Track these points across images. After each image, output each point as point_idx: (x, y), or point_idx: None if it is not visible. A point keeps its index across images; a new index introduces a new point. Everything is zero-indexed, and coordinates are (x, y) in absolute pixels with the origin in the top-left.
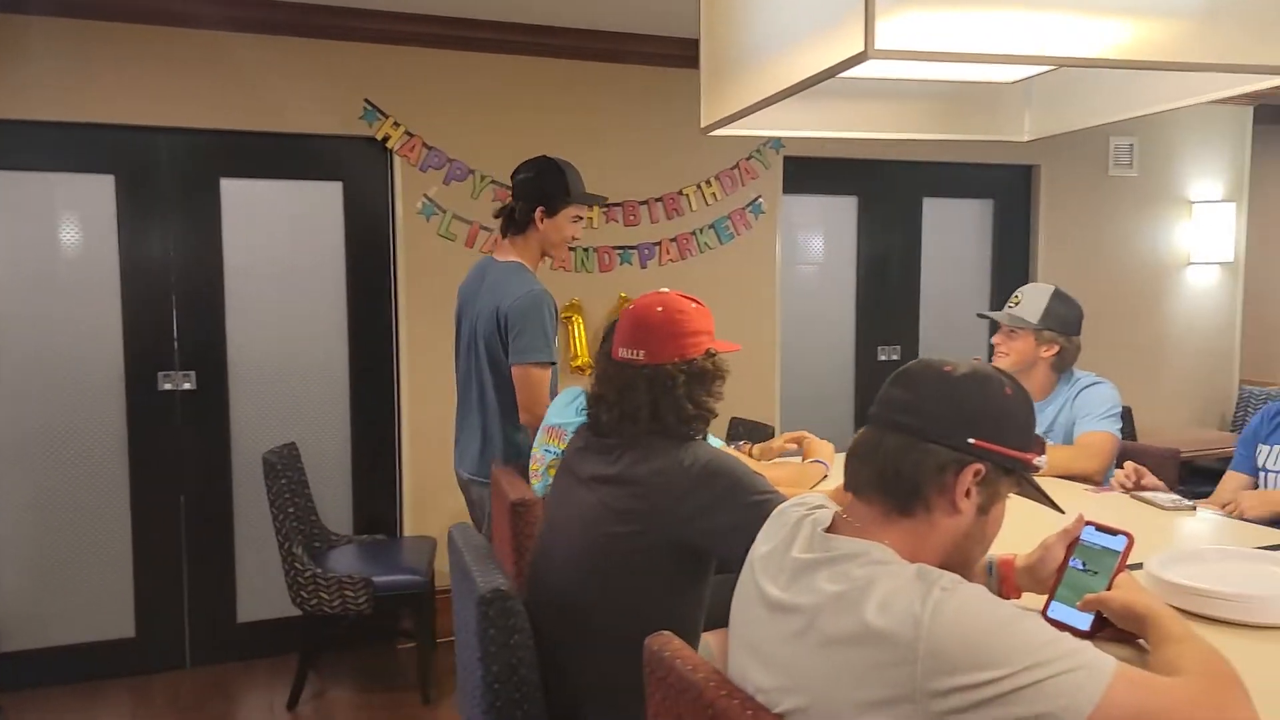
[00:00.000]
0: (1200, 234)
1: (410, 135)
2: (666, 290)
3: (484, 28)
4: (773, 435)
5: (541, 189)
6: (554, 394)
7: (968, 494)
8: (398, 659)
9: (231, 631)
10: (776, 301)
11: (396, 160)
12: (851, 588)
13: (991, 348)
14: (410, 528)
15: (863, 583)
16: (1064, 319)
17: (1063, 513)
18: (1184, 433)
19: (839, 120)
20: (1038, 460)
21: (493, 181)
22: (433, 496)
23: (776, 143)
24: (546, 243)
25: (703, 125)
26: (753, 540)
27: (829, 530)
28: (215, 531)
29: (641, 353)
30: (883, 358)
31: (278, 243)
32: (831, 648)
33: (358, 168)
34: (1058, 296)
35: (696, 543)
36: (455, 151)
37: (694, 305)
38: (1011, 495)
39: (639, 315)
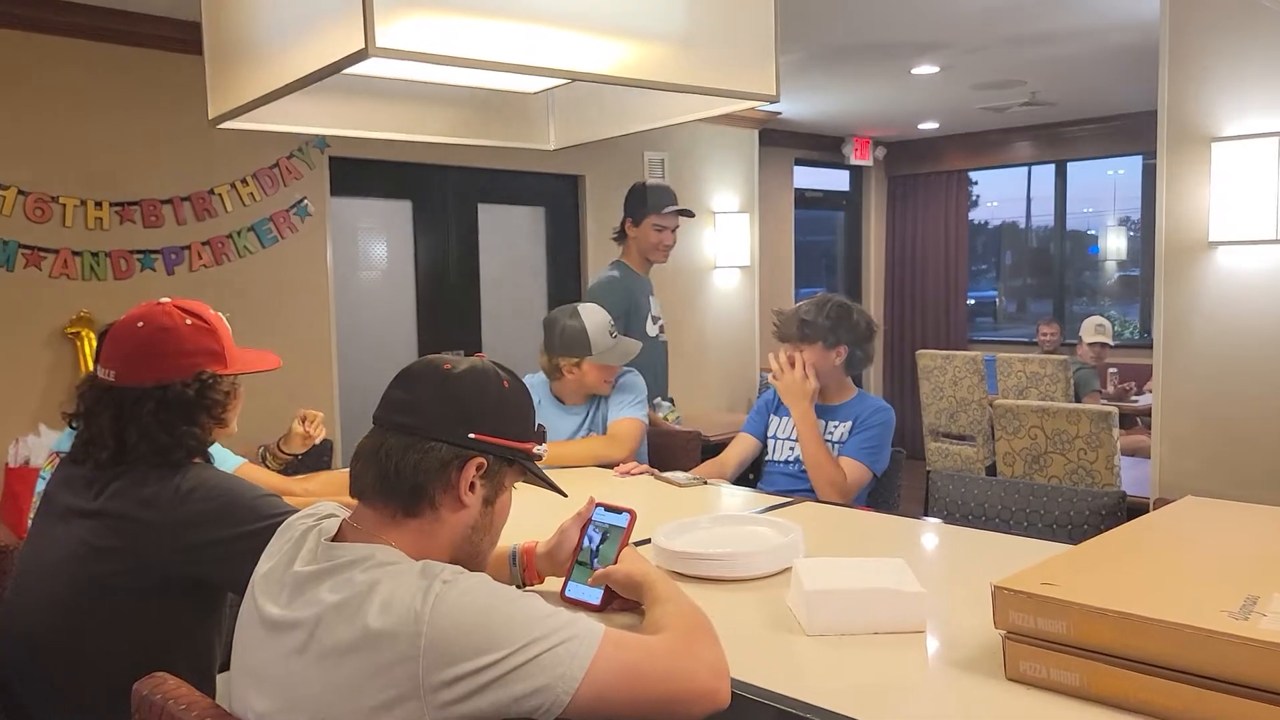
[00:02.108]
0: (723, 241)
1: None
2: (166, 300)
3: None
4: (330, 449)
5: (628, 204)
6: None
7: (472, 488)
8: None
9: None
10: (331, 309)
11: None
12: (353, 595)
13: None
14: None
15: (365, 588)
16: None
17: (565, 496)
18: (719, 417)
19: (368, 120)
20: (537, 449)
21: None
22: None
23: (320, 141)
24: (640, 247)
25: (210, 117)
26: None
27: (336, 538)
28: None
29: (113, 372)
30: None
31: None
32: (332, 659)
33: None
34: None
35: (200, 576)
36: None
37: (189, 321)
38: (527, 486)
39: (118, 330)
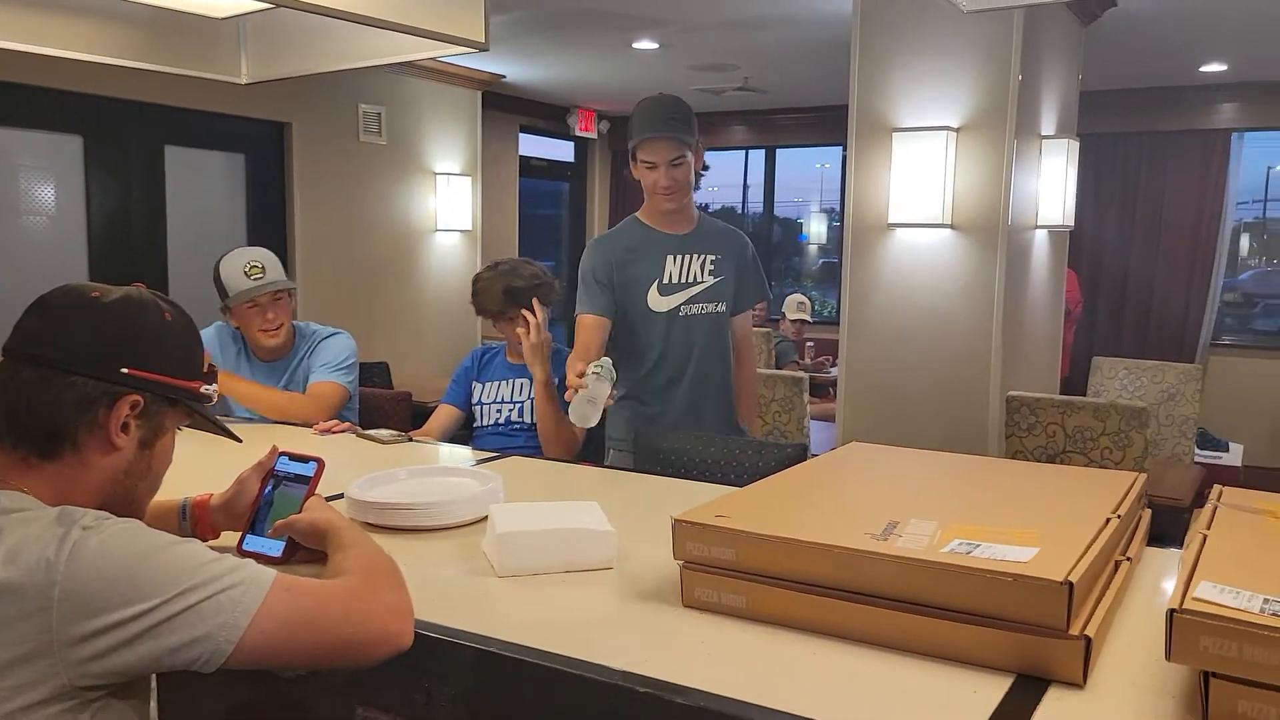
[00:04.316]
0: (444, 203)
1: None
2: None
3: None
4: None
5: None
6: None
7: (125, 428)
8: None
9: None
10: None
11: None
12: None
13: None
14: None
15: None
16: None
17: (239, 441)
18: (435, 383)
19: (14, 29)
20: (205, 389)
21: None
22: None
23: None
24: (646, 192)
25: None
26: None
27: None
28: None
29: None
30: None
31: None
32: None
33: None
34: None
35: None
36: None
37: None
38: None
39: None
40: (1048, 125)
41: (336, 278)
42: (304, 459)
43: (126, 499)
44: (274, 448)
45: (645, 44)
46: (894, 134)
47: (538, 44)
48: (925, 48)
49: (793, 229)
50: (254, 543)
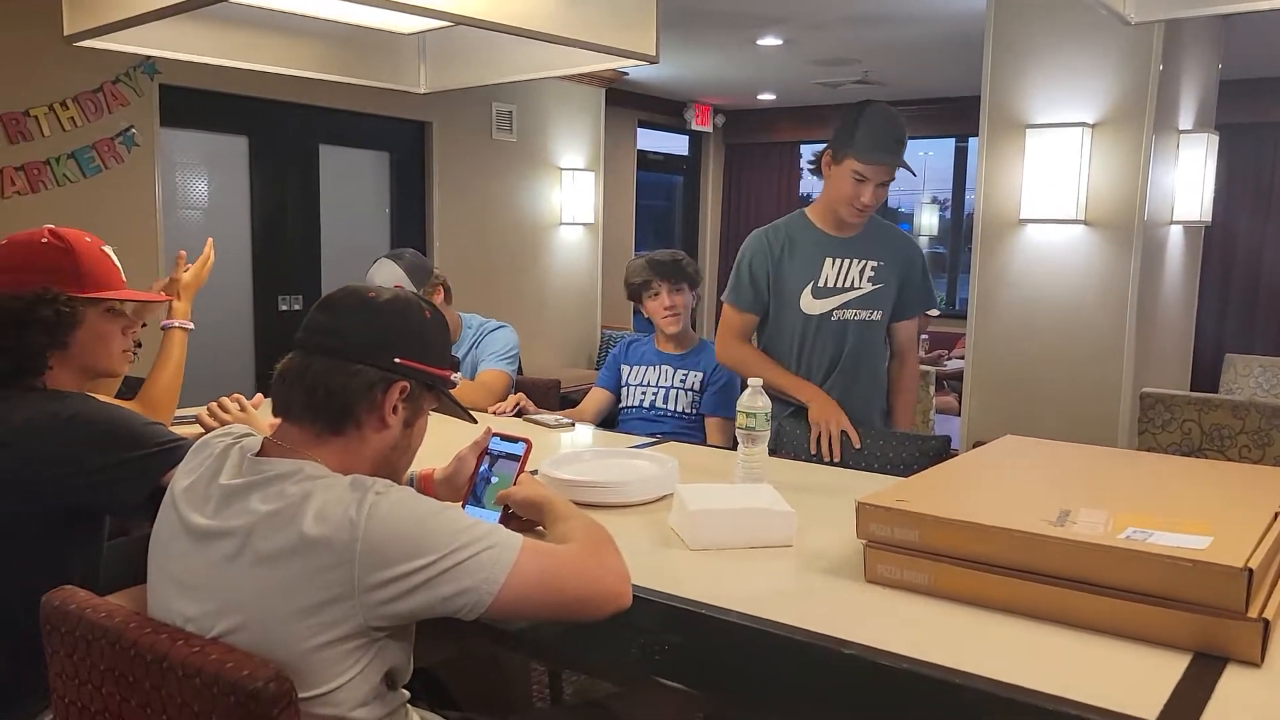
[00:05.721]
0: (568, 198)
1: None
2: (52, 227)
3: None
4: None
5: (836, 131)
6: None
7: (395, 410)
8: None
9: None
10: (159, 245)
11: None
12: (287, 505)
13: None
14: None
15: (298, 498)
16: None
17: (475, 423)
18: (561, 371)
19: (226, 47)
20: (454, 376)
21: None
22: None
23: (149, 67)
24: (831, 195)
25: (67, 32)
26: (150, 488)
27: (259, 455)
28: None
29: None
30: (284, 308)
31: None
32: (267, 563)
33: None
34: (415, 253)
35: (86, 503)
36: None
37: (44, 241)
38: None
39: None
40: (1186, 119)
41: (469, 269)
42: (514, 439)
43: (390, 470)
44: (488, 429)
45: (769, 40)
46: (1027, 130)
47: (662, 42)
48: (1061, 43)
49: (895, 219)
50: (473, 512)
